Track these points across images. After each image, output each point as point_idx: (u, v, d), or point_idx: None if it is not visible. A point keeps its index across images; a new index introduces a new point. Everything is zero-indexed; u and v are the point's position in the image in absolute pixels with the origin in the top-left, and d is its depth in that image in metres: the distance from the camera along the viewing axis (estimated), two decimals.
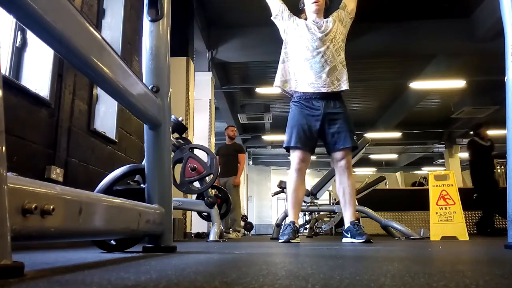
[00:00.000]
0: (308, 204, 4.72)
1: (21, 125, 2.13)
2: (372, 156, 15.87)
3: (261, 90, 8.82)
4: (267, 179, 17.38)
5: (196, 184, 3.43)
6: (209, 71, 6.89)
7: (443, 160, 14.41)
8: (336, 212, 4.68)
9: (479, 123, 6.36)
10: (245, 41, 7.03)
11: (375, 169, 17.62)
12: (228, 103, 9.56)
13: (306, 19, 2.80)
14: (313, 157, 3.29)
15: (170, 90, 1.67)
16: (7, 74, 2.29)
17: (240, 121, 10.26)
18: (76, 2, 2.72)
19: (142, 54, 1.64)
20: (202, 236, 5.12)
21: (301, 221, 6.67)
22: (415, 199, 7.42)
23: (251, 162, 15.96)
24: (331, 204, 6.36)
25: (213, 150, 6.21)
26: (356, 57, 7.04)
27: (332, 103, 2.65)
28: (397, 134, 12.03)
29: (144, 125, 1.58)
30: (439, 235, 3.62)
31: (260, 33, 6.63)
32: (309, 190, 4.75)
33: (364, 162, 16.00)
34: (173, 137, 3.26)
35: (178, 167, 3.39)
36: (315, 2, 2.74)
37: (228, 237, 4.67)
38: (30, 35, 2.45)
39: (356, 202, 3.10)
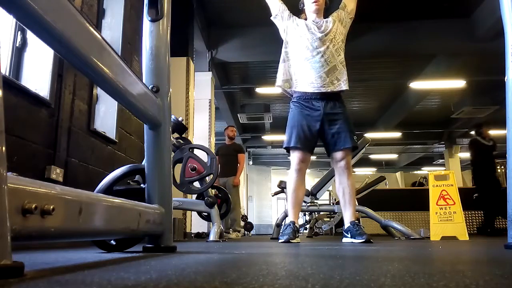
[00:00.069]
0: (308, 204, 4.72)
1: (21, 125, 2.13)
2: (372, 156, 15.87)
3: (261, 90, 8.82)
4: (267, 179, 17.39)
5: (196, 184, 3.43)
6: (209, 71, 6.89)
7: (443, 160, 14.42)
8: (336, 212, 4.68)
9: (480, 123, 6.34)
10: (245, 41, 7.03)
11: (375, 169, 17.63)
12: (228, 103, 9.56)
13: (306, 19, 2.80)
14: (313, 157, 3.30)
15: (170, 90, 1.67)
16: (7, 74, 2.29)
17: (240, 121, 10.26)
18: (76, 2, 2.72)
19: (142, 54, 1.64)
20: (202, 236, 5.12)
21: (301, 221, 6.68)
22: (415, 199, 7.42)
23: (251, 162, 15.96)
24: (331, 204, 6.35)
25: (213, 150, 6.21)
26: (356, 57, 7.04)
27: (331, 103, 2.65)
28: (397, 134, 12.03)
29: (144, 125, 1.58)
30: (439, 235, 3.62)
31: (260, 33, 6.63)
32: (309, 190, 4.75)
33: (364, 162, 16.01)
34: (173, 137, 3.26)
35: (178, 167, 3.39)
36: (315, 2, 2.74)
37: (228, 237, 4.67)
38: (30, 35, 2.45)
39: (356, 202, 3.11)
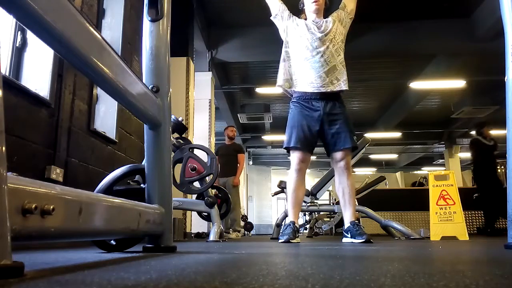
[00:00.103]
0: (308, 204, 4.72)
1: (21, 125, 2.13)
2: (372, 156, 15.87)
3: (261, 90, 8.81)
4: (267, 179, 17.39)
5: (196, 184, 3.43)
6: (209, 71, 6.89)
7: (443, 160, 14.42)
8: (336, 212, 4.68)
9: (482, 122, 6.30)
10: (245, 41, 7.03)
11: (375, 169, 17.62)
12: (228, 103, 9.56)
13: (305, 19, 2.80)
14: (313, 157, 3.30)
15: (170, 90, 1.67)
16: (7, 74, 2.29)
17: (240, 121, 10.26)
18: (76, 2, 2.72)
19: (142, 54, 1.64)
20: (202, 236, 5.12)
21: (301, 221, 6.68)
22: (415, 199, 7.42)
23: (251, 162, 15.96)
24: (331, 204, 6.35)
25: (213, 150, 6.21)
26: (356, 57, 7.04)
27: (331, 104, 2.65)
28: (397, 134, 12.03)
29: (144, 125, 1.58)
30: (439, 235, 3.62)
31: (260, 33, 6.63)
32: (309, 190, 4.75)
33: (364, 162, 16.01)
34: (173, 137, 3.26)
35: (178, 167, 3.39)
36: (314, 2, 2.74)
37: (228, 237, 4.67)
38: (30, 35, 2.44)
39: (356, 202, 3.11)
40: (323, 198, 6.36)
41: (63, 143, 2.53)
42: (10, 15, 0.81)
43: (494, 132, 6.05)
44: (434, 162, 16.79)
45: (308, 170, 3.04)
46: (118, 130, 3.42)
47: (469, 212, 7.06)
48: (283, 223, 4.45)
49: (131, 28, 3.75)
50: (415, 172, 17.15)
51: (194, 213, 5.08)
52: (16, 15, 0.83)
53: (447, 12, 6.42)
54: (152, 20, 1.64)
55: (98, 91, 3.13)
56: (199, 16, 6.18)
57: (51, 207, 0.75)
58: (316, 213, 5.32)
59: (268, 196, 15.85)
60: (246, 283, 0.61)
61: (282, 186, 4.98)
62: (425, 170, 17.12)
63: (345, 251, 1.66)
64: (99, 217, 1.02)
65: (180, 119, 3.38)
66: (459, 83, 8.32)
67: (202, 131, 6.38)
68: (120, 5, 3.60)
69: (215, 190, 4.05)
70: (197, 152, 3.56)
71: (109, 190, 1.55)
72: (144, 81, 1.57)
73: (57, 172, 2.39)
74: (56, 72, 2.50)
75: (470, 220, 7.16)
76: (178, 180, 3.32)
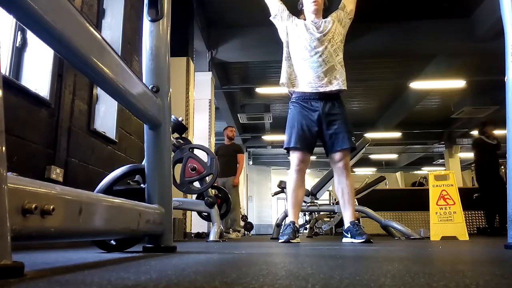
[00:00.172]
0: (308, 204, 4.71)
1: (21, 125, 2.13)
2: (372, 156, 15.88)
3: (261, 90, 8.81)
4: (267, 179, 17.39)
5: (196, 184, 3.43)
6: (209, 71, 6.89)
7: (443, 160, 14.42)
8: (336, 212, 4.68)
9: (484, 121, 6.26)
10: (245, 41, 7.03)
11: (375, 169, 17.63)
12: (228, 103, 9.56)
13: (305, 19, 2.80)
14: (313, 157, 3.30)
15: (170, 90, 1.67)
16: (7, 74, 2.29)
17: (240, 121, 10.26)
18: (76, 2, 2.72)
19: (142, 54, 1.64)
20: (202, 236, 5.12)
21: (301, 221, 6.68)
22: (415, 199, 7.42)
23: (251, 162, 15.96)
24: (331, 204, 6.35)
25: (213, 150, 6.21)
26: (356, 57, 7.04)
27: (330, 104, 2.65)
28: (397, 134, 12.03)
29: (144, 125, 1.58)
30: (439, 235, 3.62)
31: (260, 33, 6.62)
32: (309, 190, 4.75)
33: (364, 162, 16.01)
34: (173, 137, 3.26)
35: (178, 167, 3.39)
36: (313, 2, 2.74)
37: (228, 237, 4.67)
38: (30, 35, 2.44)
39: (356, 202, 3.11)
40: (323, 198, 6.36)
41: (63, 143, 2.53)
42: (10, 15, 0.81)
43: (494, 132, 6.03)
44: (434, 162, 16.79)
45: (308, 170, 3.04)
46: (118, 130, 3.42)
47: (469, 212, 7.06)
48: (283, 223, 4.45)
49: (131, 28, 3.75)
50: (415, 172, 17.15)
51: (194, 213, 5.08)
52: (16, 15, 0.83)
53: (447, 12, 6.42)
54: (152, 20, 1.64)
55: (98, 91, 3.13)
56: (199, 16, 6.19)
57: (51, 207, 0.75)
58: (316, 213, 5.32)
59: (268, 196, 15.85)
60: (246, 283, 0.61)
61: (282, 186, 4.98)
62: (425, 170, 17.12)
63: (345, 251, 1.66)
64: (99, 217, 1.03)
65: (180, 119, 3.38)
66: (459, 83, 8.32)
67: (202, 131, 6.38)
68: (120, 5, 3.60)
69: (215, 190, 4.05)
70: (197, 152, 3.56)
71: (109, 190, 1.55)
72: (144, 81, 1.57)
73: (57, 172, 2.39)
74: (56, 72, 2.50)
75: (470, 220, 7.16)
76: (178, 180, 3.32)
